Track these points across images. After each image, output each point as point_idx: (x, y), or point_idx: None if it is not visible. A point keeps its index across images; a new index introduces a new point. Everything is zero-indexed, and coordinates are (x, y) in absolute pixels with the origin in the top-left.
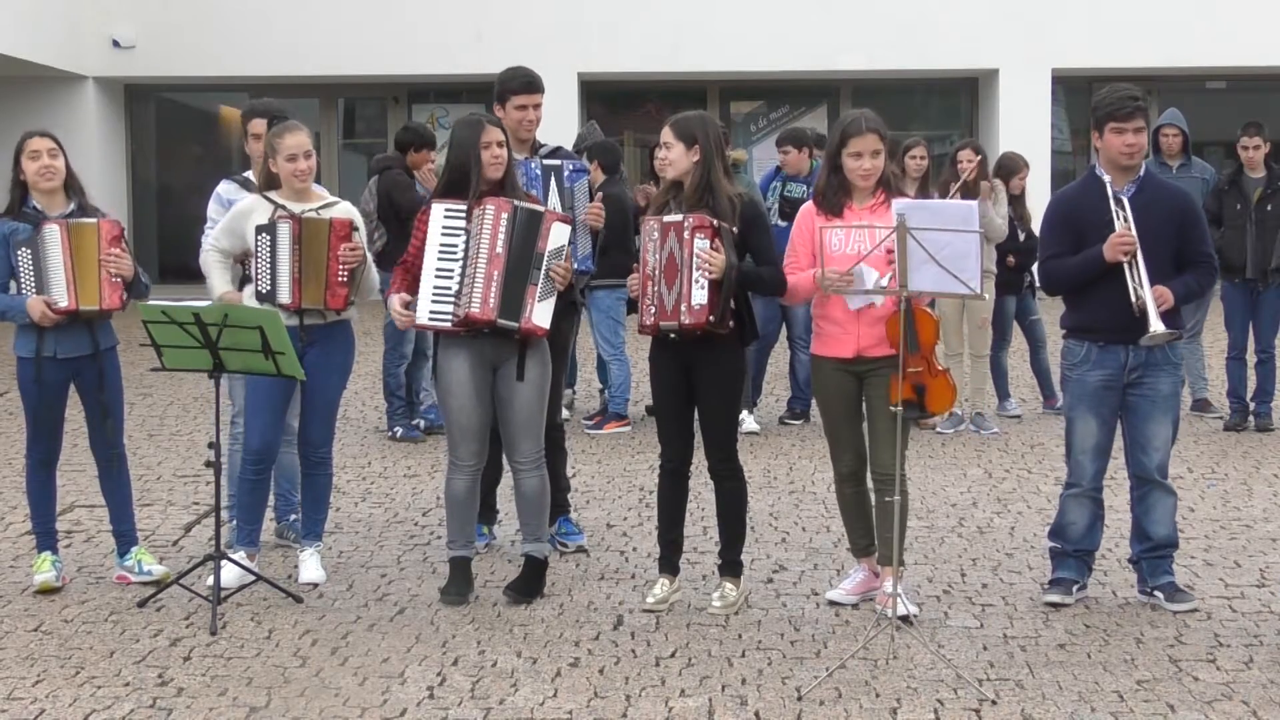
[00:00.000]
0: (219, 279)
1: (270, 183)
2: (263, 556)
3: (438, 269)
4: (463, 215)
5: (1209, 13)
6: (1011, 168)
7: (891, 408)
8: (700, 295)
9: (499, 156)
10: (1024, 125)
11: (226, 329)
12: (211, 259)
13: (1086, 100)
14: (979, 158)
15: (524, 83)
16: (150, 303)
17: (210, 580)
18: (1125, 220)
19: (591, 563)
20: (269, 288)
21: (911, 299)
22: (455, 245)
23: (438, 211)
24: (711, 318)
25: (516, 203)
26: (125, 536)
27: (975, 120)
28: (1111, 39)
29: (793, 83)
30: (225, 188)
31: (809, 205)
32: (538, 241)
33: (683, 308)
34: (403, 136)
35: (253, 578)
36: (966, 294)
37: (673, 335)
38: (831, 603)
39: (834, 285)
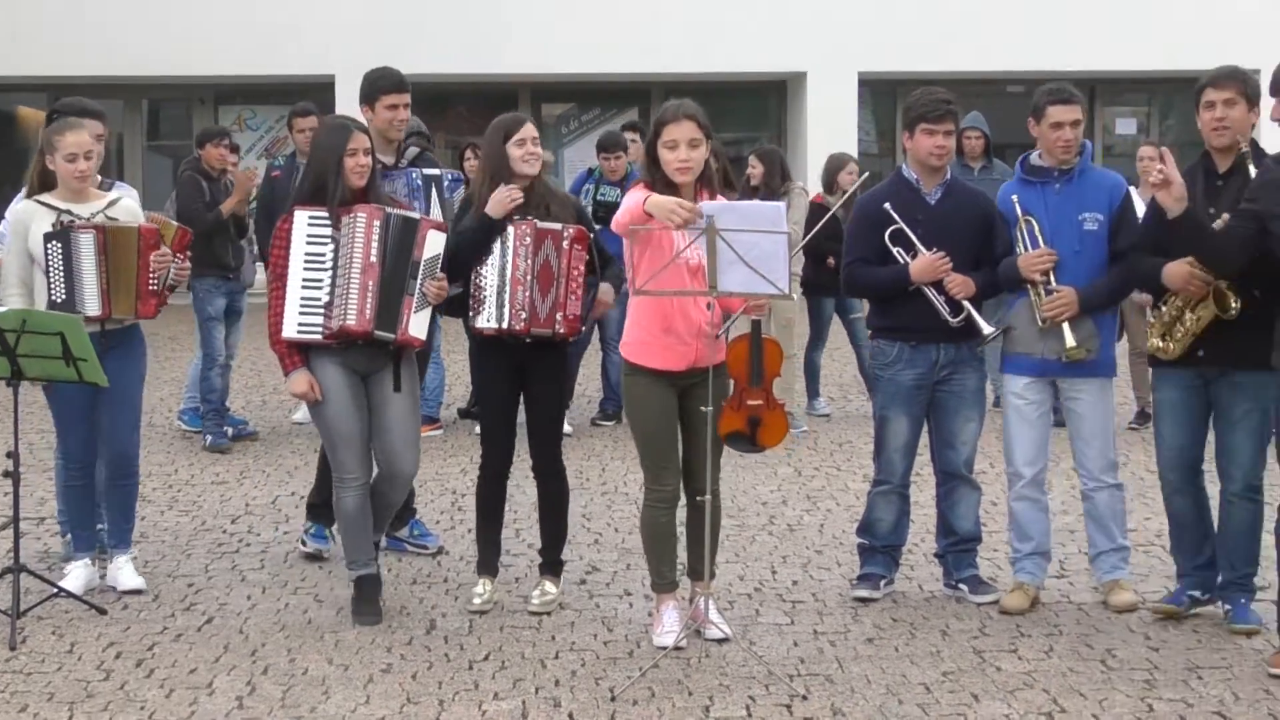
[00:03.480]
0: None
1: (45, 183)
2: (58, 569)
3: (305, 280)
4: (328, 223)
5: (1005, 20)
6: (835, 165)
7: (702, 408)
8: (576, 306)
9: (364, 164)
10: (831, 127)
11: (25, 335)
12: (13, 305)
13: (892, 103)
14: (761, 164)
15: (394, 82)
16: None
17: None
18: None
19: (403, 567)
20: (64, 297)
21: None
22: (323, 254)
23: (301, 219)
24: (582, 326)
25: (389, 210)
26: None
27: (784, 122)
28: (915, 44)
29: (604, 85)
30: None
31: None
32: (413, 250)
33: (558, 316)
34: (199, 136)
35: (54, 590)
36: (775, 294)
37: (527, 340)
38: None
39: (670, 214)
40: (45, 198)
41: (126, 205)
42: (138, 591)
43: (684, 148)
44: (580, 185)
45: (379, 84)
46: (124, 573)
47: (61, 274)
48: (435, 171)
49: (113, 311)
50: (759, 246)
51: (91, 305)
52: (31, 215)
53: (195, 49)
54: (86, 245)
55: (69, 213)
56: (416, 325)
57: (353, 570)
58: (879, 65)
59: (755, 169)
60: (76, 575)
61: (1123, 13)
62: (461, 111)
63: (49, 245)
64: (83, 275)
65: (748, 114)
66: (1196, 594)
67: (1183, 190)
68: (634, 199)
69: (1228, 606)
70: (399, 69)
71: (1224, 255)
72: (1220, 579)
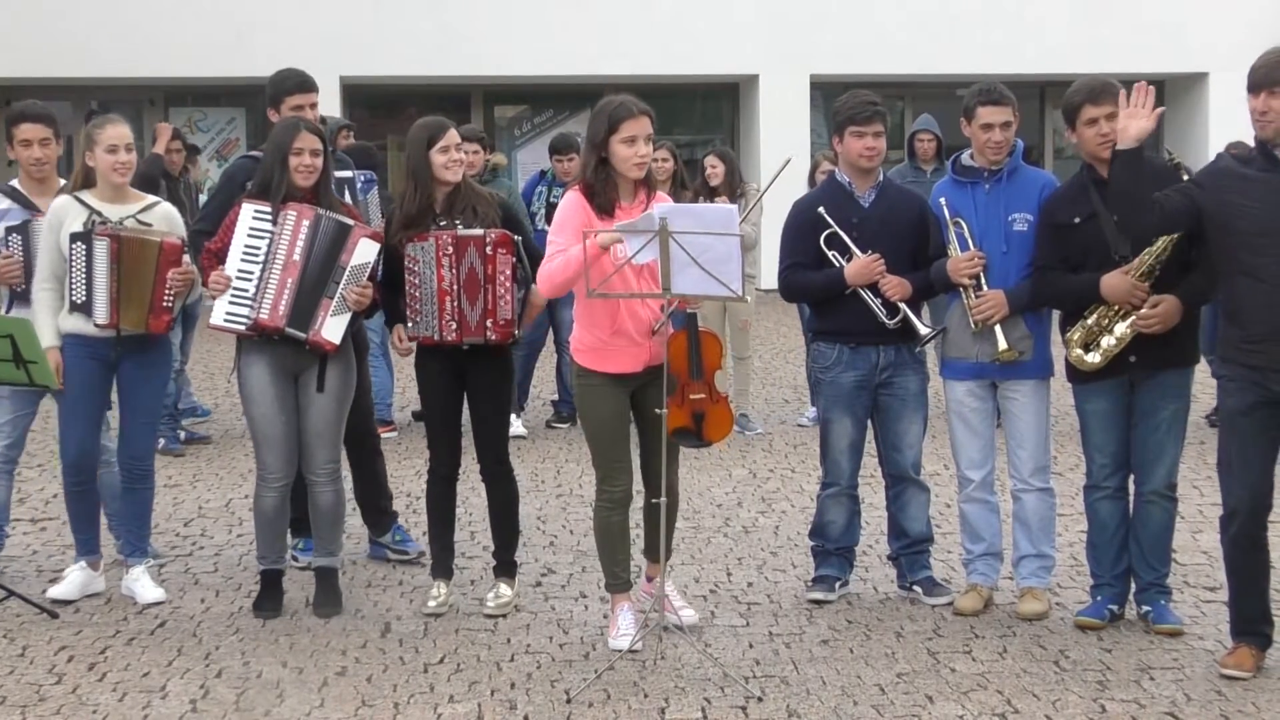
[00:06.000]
0: (47, 326)
1: (87, 181)
2: (15, 571)
3: (239, 270)
4: (269, 217)
5: (957, 23)
6: (812, 165)
7: (657, 411)
8: (506, 311)
9: (309, 165)
10: (783, 129)
11: None
12: (42, 300)
13: None
14: (723, 164)
15: (298, 82)
16: None
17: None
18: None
19: (358, 570)
20: (84, 298)
21: (700, 326)
22: (258, 248)
23: (247, 211)
24: (515, 332)
25: (322, 212)
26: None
27: (737, 124)
28: (867, 46)
29: (557, 87)
30: None
31: (576, 194)
32: (341, 254)
33: (488, 324)
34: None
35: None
36: (729, 296)
37: (464, 346)
38: (618, 650)
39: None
40: (83, 194)
41: (165, 211)
42: (159, 603)
43: (642, 143)
44: (533, 188)
45: (283, 86)
46: (141, 584)
47: (84, 276)
48: (347, 174)
49: (121, 323)
50: (712, 249)
51: (100, 314)
52: (66, 211)
53: (146, 50)
54: (101, 253)
55: (99, 214)
56: (331, 328)
57: (260, 564)
58: (830, 68)
59: (716, 169)
60: (72, 580)
61: (1074, 16)
62: (414, 114)
63: (73, 246)
64: (96, 281)
65: (700, 116)
66: (1114, 608)
67: (1148, 131)
68: (574, 257)
69: (1147, 608)
70: (354, 73)
71: (1145, 213)
72: (1139, 582)
